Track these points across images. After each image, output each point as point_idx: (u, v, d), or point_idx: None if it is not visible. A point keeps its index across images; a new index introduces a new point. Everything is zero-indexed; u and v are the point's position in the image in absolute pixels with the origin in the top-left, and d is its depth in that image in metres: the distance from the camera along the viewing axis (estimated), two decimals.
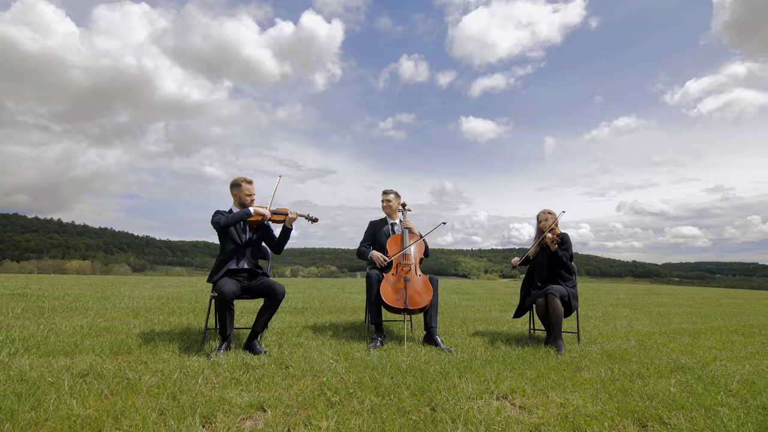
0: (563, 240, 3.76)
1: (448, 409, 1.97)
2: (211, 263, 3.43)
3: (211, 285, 3.29)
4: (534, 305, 3.79)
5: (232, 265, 3.22)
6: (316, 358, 2.83)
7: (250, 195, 3.34)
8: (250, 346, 2.98)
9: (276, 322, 4.47)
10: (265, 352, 2.89)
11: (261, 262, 3.48)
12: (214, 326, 3.42)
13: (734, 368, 3.05)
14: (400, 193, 4.12)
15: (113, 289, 8.57)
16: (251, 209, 3.23)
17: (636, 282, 59.06)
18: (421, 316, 4.83)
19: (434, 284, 3.67)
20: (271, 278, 3.37)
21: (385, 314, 4.02)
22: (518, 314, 4.02)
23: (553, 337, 3.55)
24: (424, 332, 3.62)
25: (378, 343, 3.36)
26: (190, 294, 7.93)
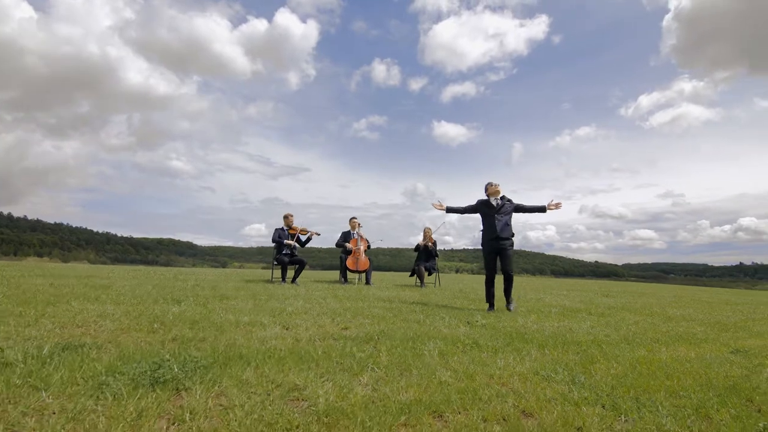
0: (435, 245, 8.46)
1: (359, 295, 6.54)
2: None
3: (274, 259, 7.68)
4: (415, 269, 8.49)
5: (284, 251, 7.64)
6: (317, 286, 7.33)
7: (291, 221, 7.77)
8: (294, 282, 7.43)
9: (302, 278, 8.88)
10: (298, 284, 7.36)
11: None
12: (275, 277, 7.81)
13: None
14: (357, 218, 8.68)
15: (166, 274, 12.54)
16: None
17: (592, 280, 55.98)
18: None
19: (370, 262, 8.28)
20: (298, 256, 7.83)
21: (349, 274, 8.55)
22: (411, 275, 8.70)
23: (421, 282, 8.25)
24: (365, 281, 8.23)
25: (343, 283, 7.91)
26: (236, 274, 12.08)
